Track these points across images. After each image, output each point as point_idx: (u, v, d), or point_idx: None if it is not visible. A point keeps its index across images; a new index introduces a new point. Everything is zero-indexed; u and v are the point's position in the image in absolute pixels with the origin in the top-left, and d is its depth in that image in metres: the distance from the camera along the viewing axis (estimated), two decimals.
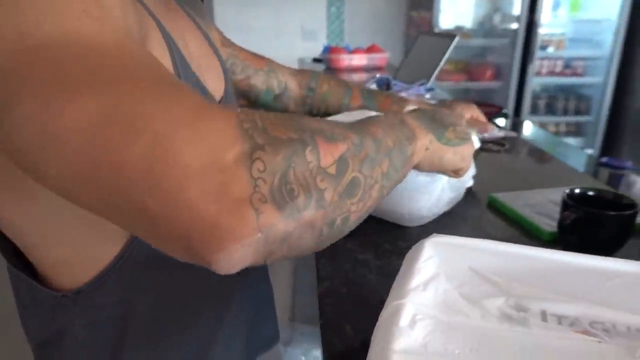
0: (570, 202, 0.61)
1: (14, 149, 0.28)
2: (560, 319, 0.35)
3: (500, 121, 1.42)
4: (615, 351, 0.31)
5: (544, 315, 0.35)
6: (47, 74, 0.27)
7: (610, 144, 3.07)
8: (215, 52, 0.63)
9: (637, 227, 0.67)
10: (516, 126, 1.89)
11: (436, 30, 2.94)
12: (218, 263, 0.27)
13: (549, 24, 3.04)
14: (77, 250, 0.43)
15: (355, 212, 0.35)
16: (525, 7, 2.91)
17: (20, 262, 0.46)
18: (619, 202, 0.62)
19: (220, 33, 0.79)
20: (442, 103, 1.05)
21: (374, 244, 0.67)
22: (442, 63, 1.54)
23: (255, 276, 0.66)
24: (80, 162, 0.26)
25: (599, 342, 0.32)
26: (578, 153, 1.97)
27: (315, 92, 0.85)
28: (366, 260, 0.63)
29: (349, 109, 0.82)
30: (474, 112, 0.99)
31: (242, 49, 0.80)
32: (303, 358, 1.17)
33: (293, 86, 0.84)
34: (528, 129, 1.77)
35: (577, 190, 0.64)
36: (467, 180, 0.76)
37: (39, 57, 0.27)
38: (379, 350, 0.31)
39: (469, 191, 0.83)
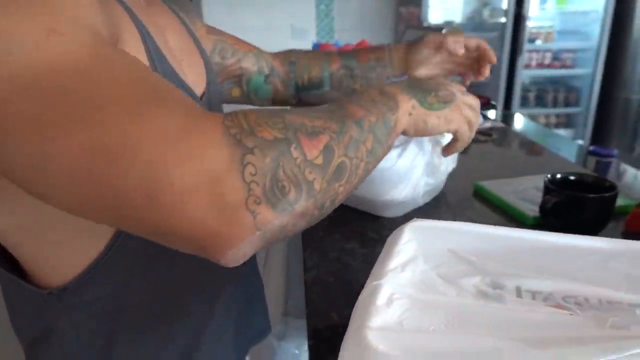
0: (552, 187, 0.62)
1: (16, 179, 0.30)
2: (534, 295, 0.36)
3: (491, 113, 1.43)
4: (585, 322, 0.32)
5: (518, 292, 0.36)
6: (31, 110, 0.28)
7: (599, 134, 3.09)
8: (199, 48, 0.63)
9: (617, 210, 0.68)
10: (506, 118, 1.90)
11: (425, 25, 2.95)
12: (224, 261, 0.31)
13: (537, 17, 3.06)
14: (61, 247, 0.43)
15: (342, 193, 0.37)
16: (512, 1, 2.92)
17: (7, 260, 0.46)
18: (599, 185, 0.63)
19: (206, 24, 0.79)
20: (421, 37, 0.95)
21: (359, 234, 0.68)
22: None
23: (244, 271, 0.67)
24: (82, 192, 0.29)
25: (571, 314, 0.33)
26: (569, 143, 1.99)
27: (297, 65, 0.86)
28: (352, 249, 0.64)
29: (331, 72, 0.82)
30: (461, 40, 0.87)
31: (230, 35, 0.81)
32: (296, 351, 1.17)
33: (277, 65, 0.85)
34: (519, 121, 1.78)
35: (558, 176, 0.65)
36: (448, 166, 0.77)
37: (20, 91, 0.28)
38: (355, 328, 0.31)
39: (455, 180, 0.84)
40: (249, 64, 0.81)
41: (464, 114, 0.56)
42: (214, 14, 3.12)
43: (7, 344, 0.61)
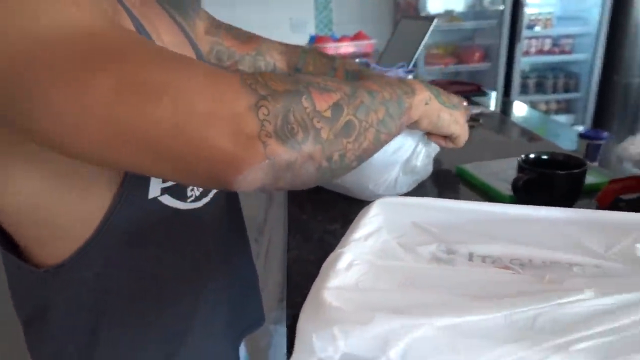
0: (524, 165, 0.65)
1: (41, 130, 0.34)
2: (484, 258, 0.39)
3: (483, 101, 1.46)
4: (526, 279, 0.35)
5: (470, 256, 0.39)
6: (61, 60, 0.32)
7: (600, 119, 3.09)
8: (192, 44, 0.64)
9: (593, 187, 0.71)
10: (505, 106, 1.92)
11: (423, 14, 2.96)
12: (237, 183, 0.35)
13: (535, 3, 3.05)
14: (57, 226, 0.45)
15: (351, 150, 0.41)
16: None
17: (6, 239, 0.49)
18: (570, 163, 0.65)
19: (209, 21, 0.79)
20: None
21: (342, 216, 0.71)
22: (421, 45, 1.57)
23: (238, 264, 0.69)
24: (112, 127, 0.32)
25: (513, 273, 0.36)
26: (567, 130, 2.00)
27: (302, 72, 0.87)
28: (334, 230, 0.67)
29: None
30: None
31: (228, 34, 0.81)
32: None
33: (282, 66, 0.85)
34: (517, 108, 1.80)
35: (532, 155, 0.68)
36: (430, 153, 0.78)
37: (49, 48, 0.32)
38: (315, 290, 0.35)
39: (441, 165, 0.87)
40: (245, 67, 0.81)
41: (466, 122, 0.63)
42: (211, 10, 3.14)
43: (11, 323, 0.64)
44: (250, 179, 0.35)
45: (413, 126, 0.57)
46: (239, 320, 0.68)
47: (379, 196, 0.49)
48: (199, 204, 0.55)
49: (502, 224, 0.44)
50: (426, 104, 0.54)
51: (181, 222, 0.53)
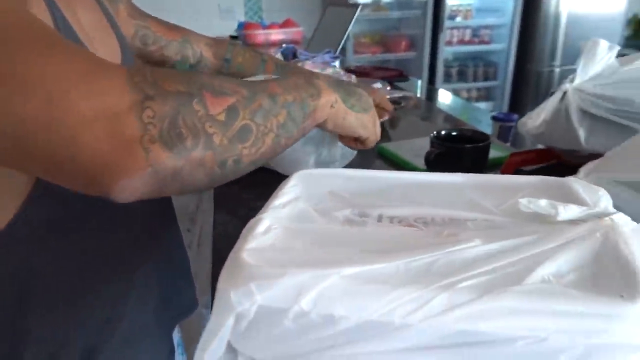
0: (436, 141, 0.70)
1: None
2: (392, 219, 0.42)
3: (406, 86, 1.52)
4: (427, 234, 0.38)
5: (380, 218, 0.42)
6: None
7: (516, 106, 3.32)
8: (114, 26, 0.63)
9: (498, 160, 0.77)
10: (430, 93, 2.01)
11: (350, 2, 3.01)
12: (115, 194, 0.32)
13: None
14: None
15: (247, 156, 0.39)
16: None
17: None
18: (476, 138, 0.71)
19: (131, 6, 0.77)
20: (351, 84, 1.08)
21: (269, 194, 0.73)
22: (347, 32, 1.61)
23: (167, 246, 0.68)
24: None
25: (417, 230, 0.40)
26: (486, 115, 2.13)
27: (231, 64, 0.86)
28: (260, 207, 0.69)
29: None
30: (379, 97, 1.02)
31: (154, 21, 0.80)
32: None
33: (209, 56, 0.84)
34: (443, 96, 1.89)
35: (443, 132, 0.73)
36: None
37: None
38: (234, 252, 0.36)
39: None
40: (171, 53, 0.80)
41: (376, 124, 0.61)
42: None
43: None
44: (130, 189, 0.32)
45: (319, 127, 0.55)
46: (172, 306, 0.68)
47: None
48: None
49: (411, 189, 0.48)
50: (332, 106, 0.52)
51: (105, 207, 0.52)
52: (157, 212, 0.63)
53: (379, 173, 0.50)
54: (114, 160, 0.31)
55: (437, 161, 0.67)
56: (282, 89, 0.44)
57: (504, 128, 1.43)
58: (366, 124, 0.59)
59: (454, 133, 0.73)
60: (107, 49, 0.59)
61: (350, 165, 0.83)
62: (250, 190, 0.74)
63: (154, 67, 0.36)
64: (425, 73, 3.24)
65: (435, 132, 0.72)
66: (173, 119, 0.33)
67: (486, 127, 1.50)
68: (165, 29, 0.80)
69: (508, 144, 1.37)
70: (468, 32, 3.34)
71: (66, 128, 0.30)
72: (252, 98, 0.39)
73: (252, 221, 0.41)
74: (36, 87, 0.30)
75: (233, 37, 2.52)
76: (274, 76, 0.86)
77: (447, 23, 3.13)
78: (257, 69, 0.88)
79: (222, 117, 0.36)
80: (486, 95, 3.53)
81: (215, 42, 0.85)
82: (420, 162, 0.78)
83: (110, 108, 0.31)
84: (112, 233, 0.54)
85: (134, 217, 0.57)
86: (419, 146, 0.86)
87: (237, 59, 0.86)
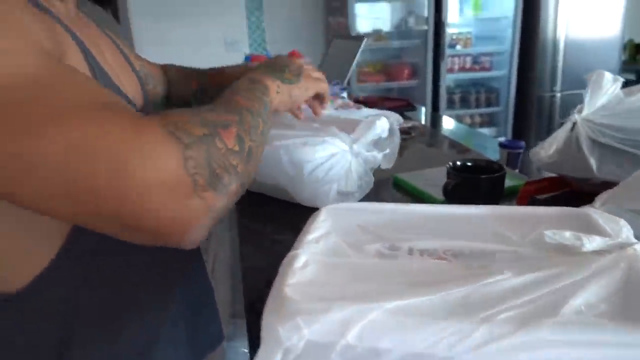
0: (452, 172, 0.72)
1: None
2: (422, 252, 0.44)
3: (414, 115, 1.55)
4: (457, 266, 0.40)
5: (410, 251, 0.44)
6: (6, 117, 0.32)
7: (519, 130, 3.35)
8: (129, 62, 0.66)
9: (512, 189, 0.79)
10: (435, 120, 2.04)
11: (353, 34, 3.08)
12: (184, 244, 0.37)
13: (456, 24, 3.29)
14: (14, 254, 0.43)
15: (252, 172, 0.44)
16: (431, 9, 3.12)
17: None
18: (491, 168, 0.73)
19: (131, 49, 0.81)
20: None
21: (290, 226, 0.75)
22: (354, 63, 1.65)
23: (192, 272, 0.69)
24: (56, 187, 0.33)
25: (448, 262, 0.41)
26: (492, 141, 2.16)
27: (170, 89, 0.88)
28: (283, 240, 0.71)
29: (194, 92, 0.86)
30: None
31: (145, 60, 0.82)
32: (245, 350, 1.22)
33: (160, 81, 0.86)
34: (447, 123, 1.92)
35: (458, 162, 0.75)
36: (375, 163, 0.84)
37: None
38: (276, 287, 0.38)
39: (380, 175, 0.93)
40: (159, 89, 0.83)
41: (314, 76, 0.68)
42: (143, 27, 3.10)
43: None
44: (196, 235, 0.37)
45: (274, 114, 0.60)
46: (200, 335, 0.69)
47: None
48: None
49: (436, 222, 0.49)
50: (277, 92, 0.58)
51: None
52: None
53: (402, 207, 0.52)
54: (180, 218, 0.35)
55: (455, 192, 0.69)
56: (247, 99, 0.49)
57: (512, 155, 1.45)
58: (308, 86, 0.66)
59: (469, 163, 0.75)
60: (131, 87, 0.62)
61: (368, 194, 0.85)
62: (271, 223, 0.76)
63: (168, 112, 0.39)
64: (429, 100, 3.29)
65: (451, 163, 0.74)
66: (209, 164, 0.37)
67: (492, 153, 1.52)
68: (152, 67, 0.83)
69: (517, 171, 1.39)
70: (469, 59, 3.40)
71: (133, 195, 0.33)
72: (242, 120, 0.44)
73: (289, 256, 0.42)
74: (96, 154, 0.32)
75: None
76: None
77: (447, 51, 3.20)
78: (190, 83, 0.88)
79: (236, 148, 0.41)
80: (489, 120, 3.58)
81: (159, 68, 0.87)
82: (435, 191, 0.80)
83: (164, 170, 0.34)
84: (148, 255, 0.54)
85: (164, 249, 0.59)
86: (434, 176, 0.89)
87: (173, 82, 0.88)
